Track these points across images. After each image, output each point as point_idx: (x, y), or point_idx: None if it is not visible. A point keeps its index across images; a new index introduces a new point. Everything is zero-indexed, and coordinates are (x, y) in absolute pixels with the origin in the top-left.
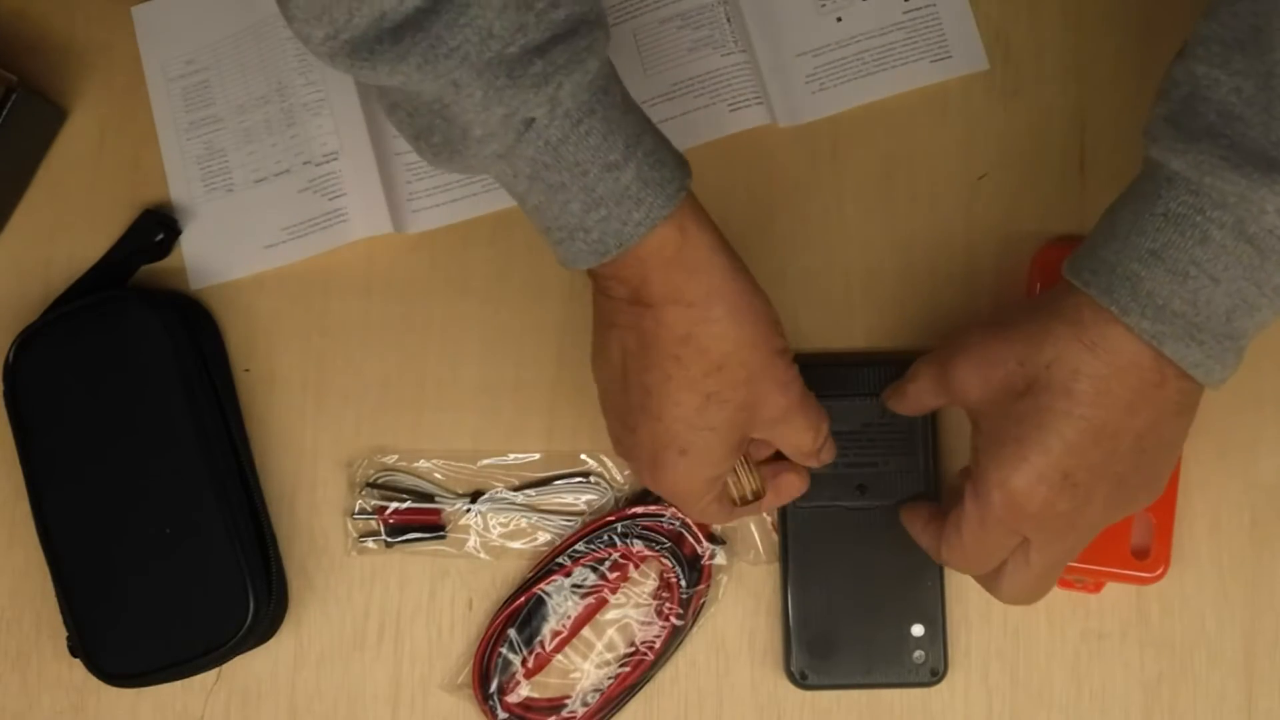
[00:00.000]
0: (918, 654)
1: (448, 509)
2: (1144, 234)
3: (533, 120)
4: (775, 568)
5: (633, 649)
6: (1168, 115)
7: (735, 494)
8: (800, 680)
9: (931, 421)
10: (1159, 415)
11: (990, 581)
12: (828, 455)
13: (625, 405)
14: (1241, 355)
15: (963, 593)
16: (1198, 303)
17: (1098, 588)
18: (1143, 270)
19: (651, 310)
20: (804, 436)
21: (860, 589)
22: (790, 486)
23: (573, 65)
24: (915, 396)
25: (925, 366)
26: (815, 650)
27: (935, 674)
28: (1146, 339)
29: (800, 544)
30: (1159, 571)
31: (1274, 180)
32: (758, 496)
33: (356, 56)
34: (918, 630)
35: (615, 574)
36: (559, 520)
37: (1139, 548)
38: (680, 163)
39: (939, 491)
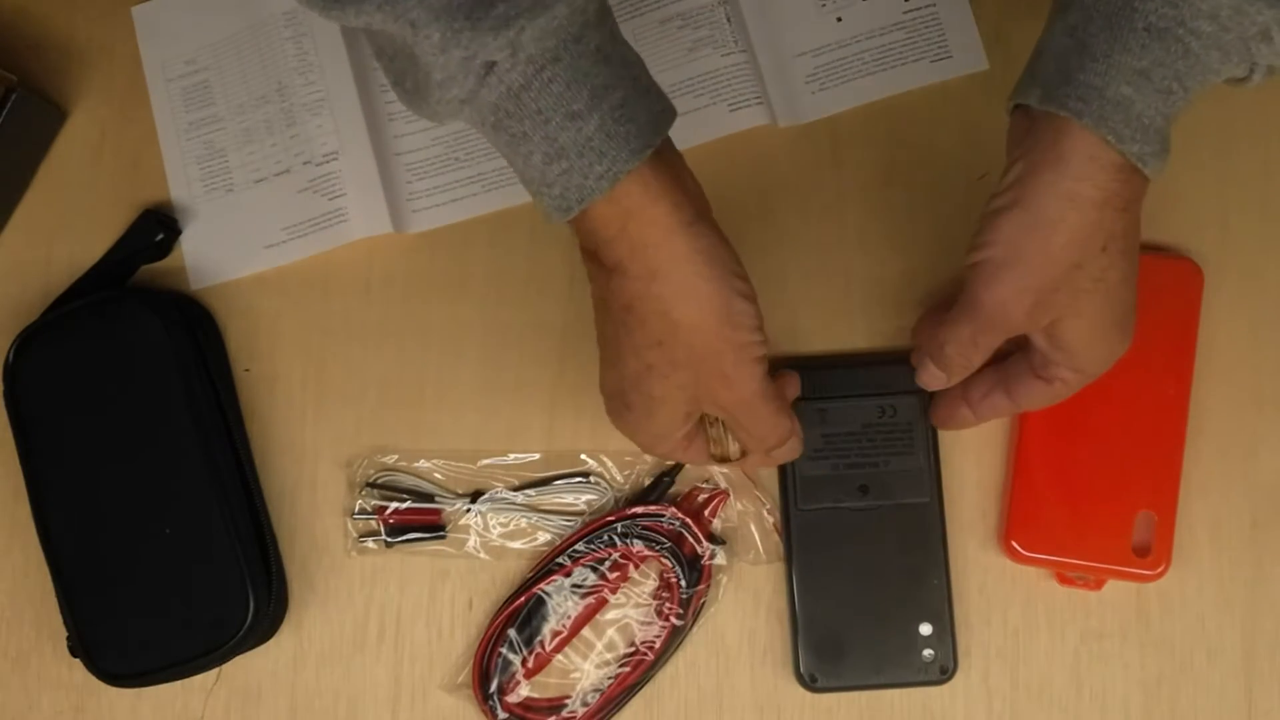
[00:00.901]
0: (927, 652)
1: (448, 509)
2: (1129, 51)
3: (493, 65)
4: (775, 568)
5: (633, 649)
6: None
7: (713, 451)
8: (810, 683)
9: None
10: (1135, 225)
11: (1005, 391)
12: (782, 457)
13: (603, 355)
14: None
15: (963, 593)
16: (1169, 116)
17: (1099, 585)
18: (1134, 93)
19: (605, 272)
20: (751, 438)
21: (866, 589)
22: (784, 450)
23: (537, 9)
24: (963, 354)
25: (962, 329)
26: (824, 653)
27: (945, 672)
28: (1133, 159)
29: (804, 547)
30: (1160, 569)
31: None
32: (733, 458)
33: (330, 2)
34: (925, 629)
35: (615, 574)
36: (559, 520)
37: (1140, 545)
38: (655, 120)
39: (940, 491)
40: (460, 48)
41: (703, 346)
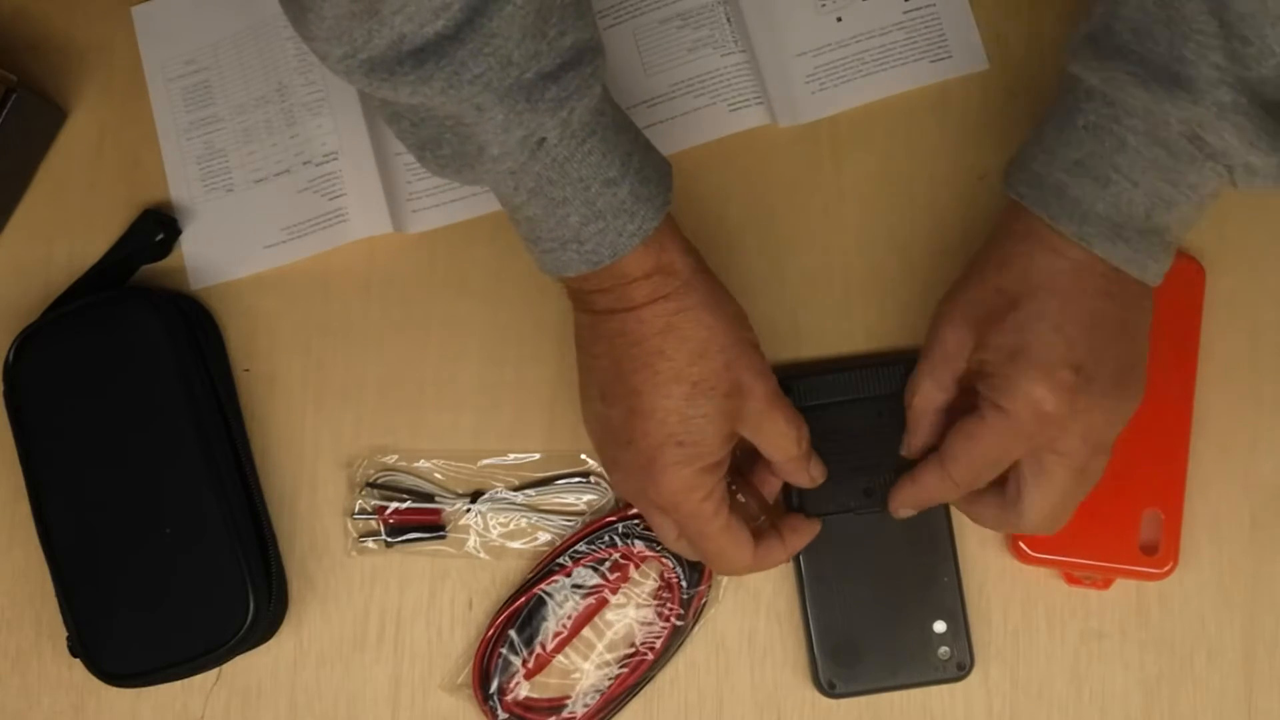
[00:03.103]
0: (942, 650)
1: (448, 509)
2: (1068, 145)
3: (544, 140)
4: (776, 568)
5: (633, 649)
6: (1088, 33)
7: (742, 513)
8: (829, 690)
9: None
10: (1134, 298)
11: (1003, 512)
12: (818, 472)
13: (617, 420)
14: (1170, 250)
15: (964, 594)
16: (1119, 205)
17: (1107, 584)
18: (1068, 179)
19: (634, 312)
20: (786, 435)
21: (878, 592)
22: (801, 531)
23: (583, 90)
24: (926, 397)
25: (921, 366)
26: (840, 658)
27: (962, 669)
28: (1076, 240)
29: (813, 554)
30: (1168, 567)
31: (1175, 95)
32: (764, 512)
33: (375, 76)
34: (940, 627)
35: (616, 574)
36: (559, 520)
37: (1147, 544)
38: (664, 177)
39: None
40: (522, 127)
41: (734, 348)
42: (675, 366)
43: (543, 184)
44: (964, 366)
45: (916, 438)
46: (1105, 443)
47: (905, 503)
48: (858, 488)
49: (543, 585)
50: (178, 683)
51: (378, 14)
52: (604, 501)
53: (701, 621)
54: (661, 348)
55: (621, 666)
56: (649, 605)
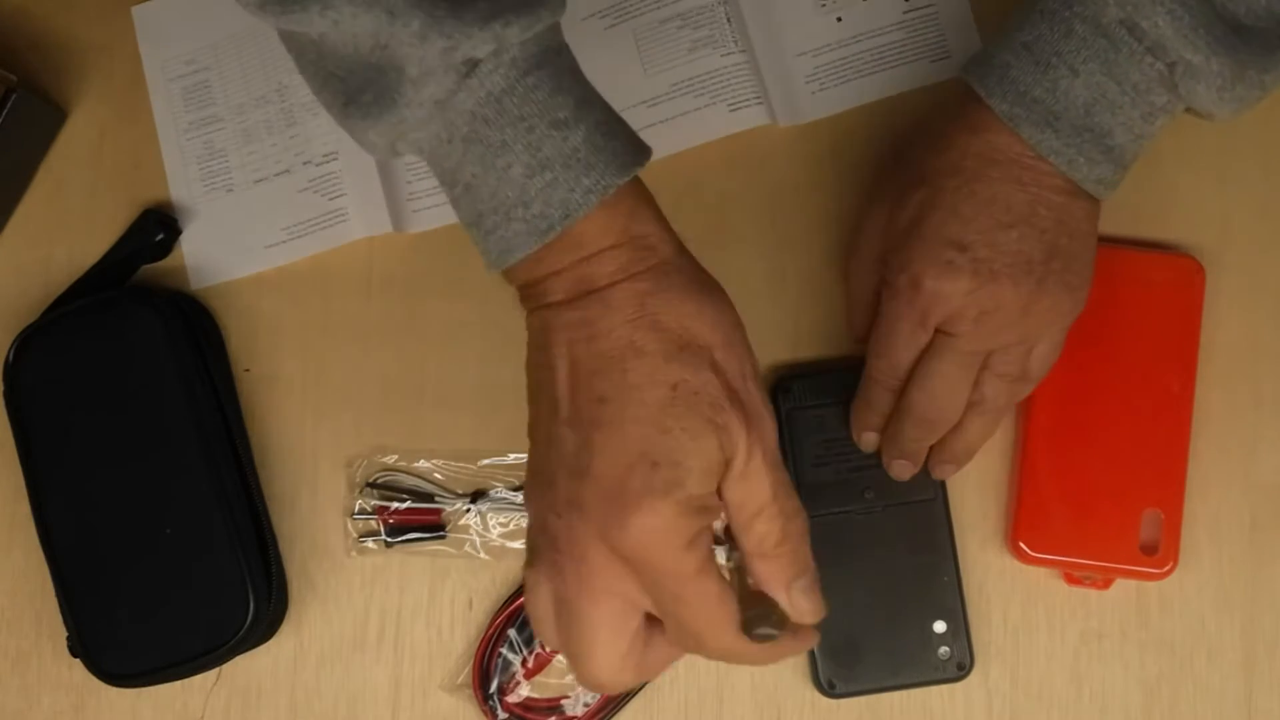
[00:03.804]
0: (943, 650)
1: (448, 509)
2: (1020, 28)
3: (476, 64)
4: None
5: None
6: None
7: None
8: (830, 690)
9: None
10: (1048, 192)
11: (957, 439)
12: (810, 609)
13: (573, 442)
14: (1115, 158)
15: (964, 594)
16: (1057, 91)
17: (1106, 584)
18: (1012, 59)
19: (598, 294)
20: (768, 487)
21: (878, 592)
22: (801, 638)
23: (522, 7)
24: (856, 278)
25: (851, 246)
26: (841, 658)
27: (962, 668)
28: (1006, 120)
29: (813, 554)
30: (1168, 567)
31: None
32: (766, 604)
33: (287, 3)
34: (940, 626)
35: None
36: None
37: (1147, 544)
38: (636, 142)
39: (943, 487)
40: (442, 36)
41: (726, 345)
42: (651, 365)
43: (477, 125)
44: (883, 246)
45: (856, 318)
46: (1007, 340)
47: (861, 423)
48: (855, 488)
49: None
50: (178, 683)
51: None
52: None
53: None
54: (632, 339)
55: None
56: None
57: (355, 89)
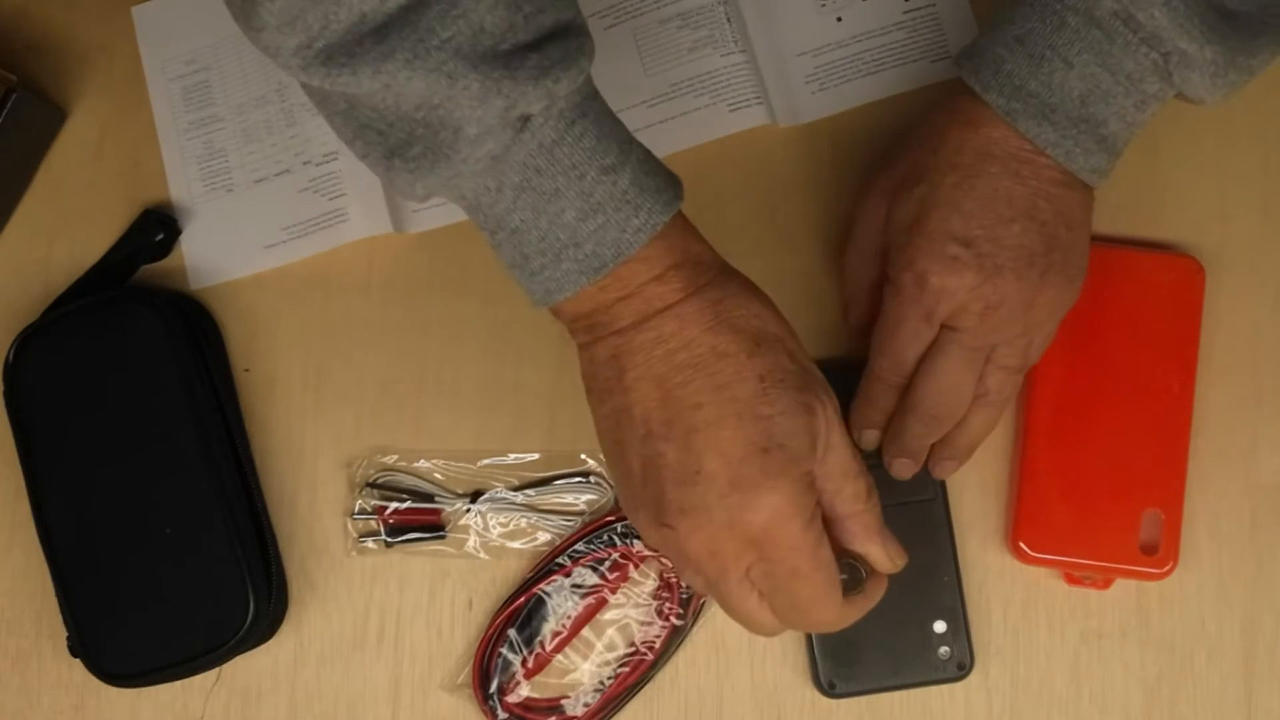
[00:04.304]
0: (943, 650)
1: (448, 509)
2: (1012, 22)
3: (529, 119)
4: None
5: (633, 649)
6: None
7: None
8: (830, 690)
9: None
10: (1046, 184)
11: (961, 434)
12: (896, 553)
13: (674, 454)
14: (1109, 147)
15: (964, 593)
16: (1051, 84)
17: (1107, 584)
18: (1005, 53)
19: (672, 309)
20: (852, 464)
21: None
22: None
23: (567, 62)
24: (854, 272)
25: (848, 241)
26: (841, 659)
27: (962, 668)
28: (1003, 115)
29: None
30: (1168, 567)
31: None
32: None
33: (334, 64)
34: (940, 626)
35: (615, 574)
36: (559, 520)
37: (1148, 544)
38: (671, 178)
39: (943, 487)
40: (501, 96)
41: (790, 336)
42: (735, 363)
43: (529, 175)
44: (881, 241)
45: (853, 312)
46: (1011, 333)
47: (863, 420)
48: None
49: (542, 585)
50: (178, 683)
51: None
52: (603, 501)
53: (701, 621)
54: (714, 344)
55: (621, 666)
56: (648, 605)
57: (400, 143)
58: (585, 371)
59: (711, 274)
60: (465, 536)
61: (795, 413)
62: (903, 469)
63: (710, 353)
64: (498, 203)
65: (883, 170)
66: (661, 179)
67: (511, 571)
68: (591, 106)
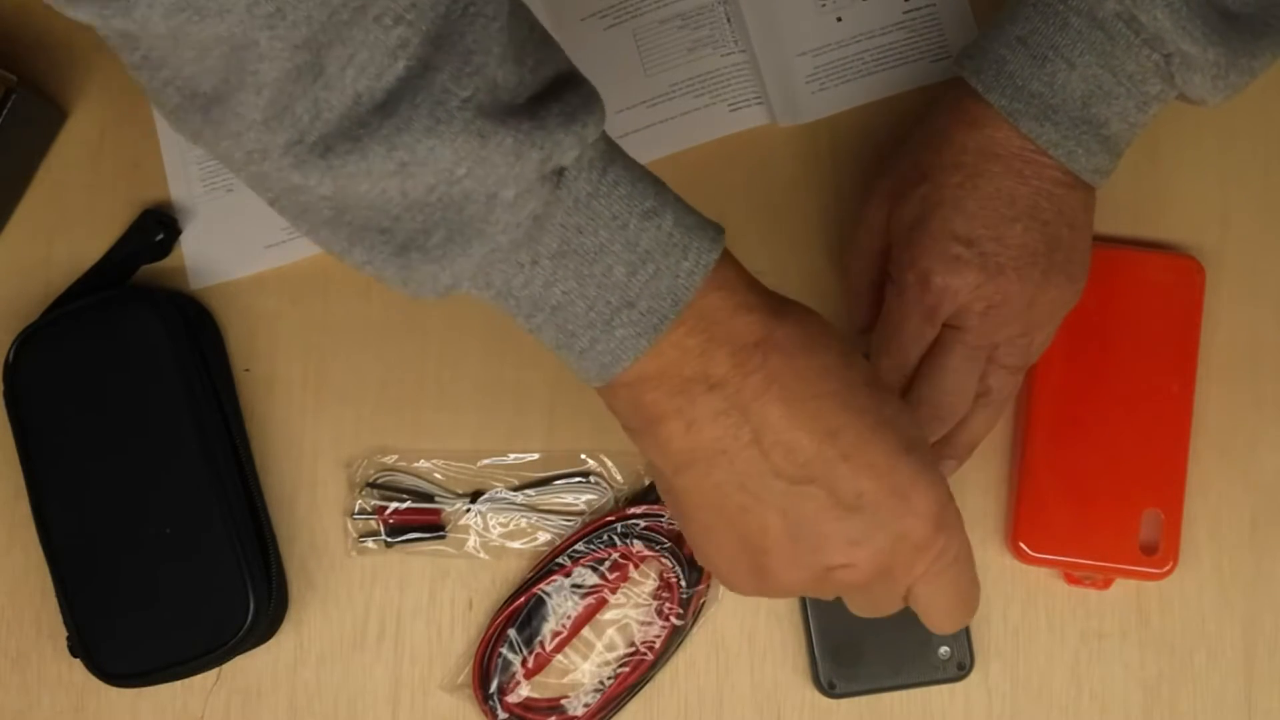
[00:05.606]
0: (943, 650)
1: (448, 509)
2: (1014, 21)
3: (563, 172)
4: None
5: (633, 649)
6: None
7: None
8: (830, 690)
9: None
10: (1048, 184)
11: (962, 432)
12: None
13: (821, 492)
14: (1111, 147)
15: None
16: (1054, 85)
17: (1107, 584)
18: (1008, 54)
19: (769, 345)
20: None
21: None
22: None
23: (589, 107)
24: (855, 273)
25: (851, 242)
26: (841, 659)
27: (962, 668)
28: (1005, 115)
29: None
30: (1168, 567)
31: None
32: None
33: (334, 153)
34: None
35: (615, 574)
36: (559, 520)
37: (1147, 544)
38: (704, 219)
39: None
40: (536, 148)
41: (845, 346)
42: (843, 376)
43: (569, 236)
44: (884, 241)
45: (855, 312)
46: (1012, 332)
47: None
48: None
49: (542, 585)
50: (178, 683)
51: (323, 73)
52: (604, 501)
53: (701, 621)
54: (824, 365)
55: (621, 666)
56: (648, 605)
57: (413, 235)
58: (676, 448)
59: (776, 294)
60: (465, 536)
61: (898, 403)
62: None
63: (822, 374)
64: (533, 280)
65: (885, 171)
66: (696, 216)
67: (511, 571)
68: (616, 153)
